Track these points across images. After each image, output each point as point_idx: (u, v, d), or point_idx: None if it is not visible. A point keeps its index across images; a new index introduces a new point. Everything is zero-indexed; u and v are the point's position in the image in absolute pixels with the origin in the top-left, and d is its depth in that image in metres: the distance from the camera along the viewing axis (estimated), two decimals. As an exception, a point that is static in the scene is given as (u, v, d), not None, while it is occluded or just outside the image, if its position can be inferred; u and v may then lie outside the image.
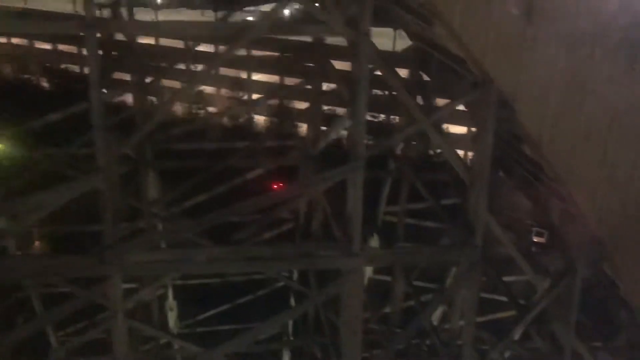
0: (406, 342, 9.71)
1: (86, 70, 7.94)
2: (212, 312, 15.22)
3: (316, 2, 8.27)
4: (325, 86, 11.22)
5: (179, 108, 40.42)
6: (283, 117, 39.50)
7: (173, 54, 15.92)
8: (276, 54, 16.62)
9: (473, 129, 8.24)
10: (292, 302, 14.59)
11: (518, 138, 8.81)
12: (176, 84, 12.34)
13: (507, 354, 10.47)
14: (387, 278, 13.27)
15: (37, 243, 21.43)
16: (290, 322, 15.01)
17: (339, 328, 8.47)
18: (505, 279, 11.85)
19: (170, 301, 14.38)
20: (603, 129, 7.79)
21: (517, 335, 11.20)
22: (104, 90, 8.02)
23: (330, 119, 9.66)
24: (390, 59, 8.92)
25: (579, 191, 8.15)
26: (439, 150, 12.65)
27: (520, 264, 9.32)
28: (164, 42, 34.85)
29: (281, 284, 14.58)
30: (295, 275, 13.96)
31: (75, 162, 10.01)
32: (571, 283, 8.80)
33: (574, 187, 8.13)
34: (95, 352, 11.80)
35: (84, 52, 7.08)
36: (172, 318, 14.63)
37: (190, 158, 11.97)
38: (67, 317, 8.33)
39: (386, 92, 10.23)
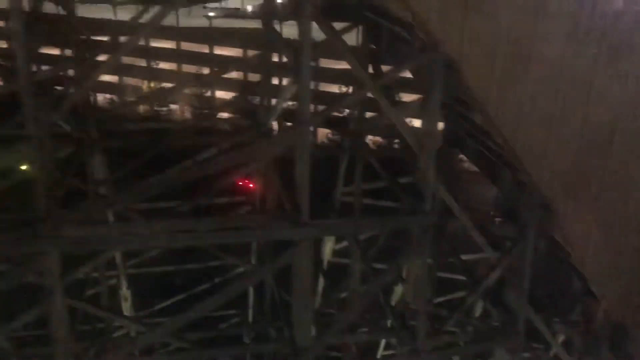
0: (359, 314, 9.57)
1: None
2: (168, 301, 14.82)
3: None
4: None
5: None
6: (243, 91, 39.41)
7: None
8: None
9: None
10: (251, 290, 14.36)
11: (467, 105, 8.74)
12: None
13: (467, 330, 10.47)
14: (346, 260, 13.15)
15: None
16: (251, 309, 14.77)
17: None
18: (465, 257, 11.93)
19: (124, 291, 13.95)
20: (550, 92, 7.78)
21: (473, 310, 11.29)
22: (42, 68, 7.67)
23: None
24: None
25: (526, 156, 8.13)
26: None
27: (474, 236, 9.29)
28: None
29: (241, 269, 14.31)
30: (254, 259, 13.70)
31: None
32: (523, 251, 8.78)
33: (522, 152, 8.10)
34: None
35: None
36: (126, 308, 14.21)
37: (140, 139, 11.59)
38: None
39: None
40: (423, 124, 7.97)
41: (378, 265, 12.56)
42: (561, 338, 11.68)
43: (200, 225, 7.69)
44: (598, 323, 9.59)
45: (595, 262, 8.88)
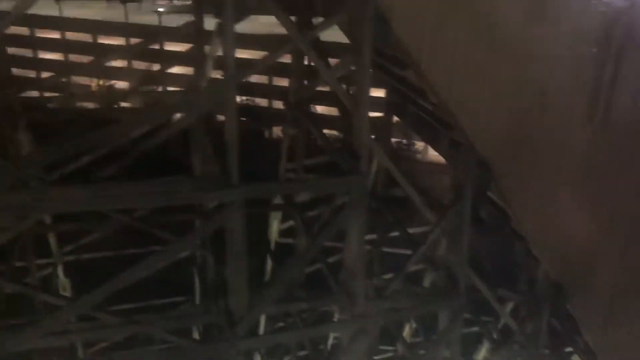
0: (299, 273, 9.34)
1: None
2: (110, 289, 14.16)
3: None
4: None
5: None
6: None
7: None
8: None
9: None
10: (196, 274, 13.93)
11: (402, 65, 8.60)
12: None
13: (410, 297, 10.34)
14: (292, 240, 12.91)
15: None
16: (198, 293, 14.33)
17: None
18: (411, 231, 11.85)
19: (62, 280, 13.33)
20: (482, 45, 7.70)
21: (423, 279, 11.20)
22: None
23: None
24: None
25: (461, 113, 8.04)
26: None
27: (414, 201, 9.17)
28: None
29: (185, 253, 13.86)
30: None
31: None
32: (461, 211, 8.70)
33: (456, 109, 8.00)
34: None
35: None
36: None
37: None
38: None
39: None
40: (354, 79, 7.77)
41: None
42: (509, 307, 11.77)
43: (126, 189, 7.30)
44: (539, 285, 9.61)
45: (534, 222, 8.86)
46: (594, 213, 8.69)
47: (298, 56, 9.96)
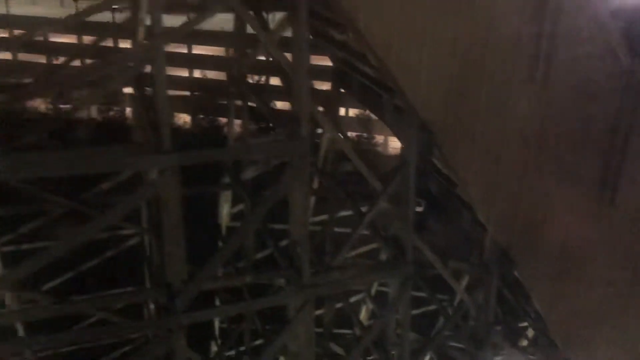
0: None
1: None
2: (56, 281, 13.63)
3: None
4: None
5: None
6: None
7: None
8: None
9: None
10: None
11: (342, 28, 8.43)
12: None
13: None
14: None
15: None
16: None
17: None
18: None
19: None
20: (423, 1, 7.56)
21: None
22: None
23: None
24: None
25: (401, 74, 7.89)
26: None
27: (361, 171, 9.01)
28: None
29: (133, 241, 13.44)
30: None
31: None
32: (405, 177, 8.57)
33: (396, 70, 7.85)
34: None
35: None
36: (8, 295, 12.95)
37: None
38: None
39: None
40: (294, 42, 7.55)
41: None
42: (464, 282, 11.73)
43: (49, 158, 6.90)
44: (487, 254, 9.55)
45: (478, 187, 8.80)
46: (539, 175, 8.67)
47: (240, 25, 9.69)
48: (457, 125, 8.29)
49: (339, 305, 13.31)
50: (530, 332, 13.01)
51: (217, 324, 15.01)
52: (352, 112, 38.81)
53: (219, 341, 14.64)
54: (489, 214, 8.98)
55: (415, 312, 14.07)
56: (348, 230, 12.53)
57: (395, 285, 8.93)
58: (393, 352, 9.73)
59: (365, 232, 10.05)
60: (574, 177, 8.79)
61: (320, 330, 13.28)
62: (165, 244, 7.51)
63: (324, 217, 12.70)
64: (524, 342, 13.09)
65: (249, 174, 10.54)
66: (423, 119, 8.18)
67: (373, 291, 13.65)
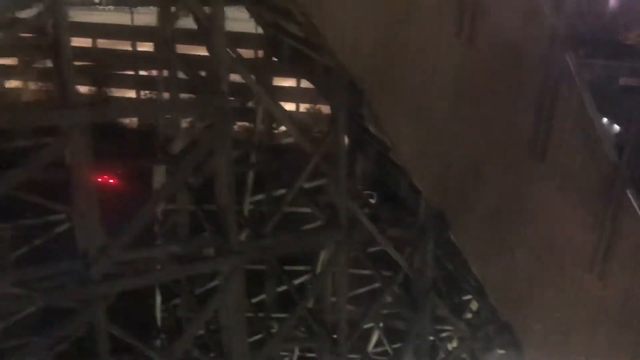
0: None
1: None
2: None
3: None
4: None
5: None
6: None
7: None
8: None
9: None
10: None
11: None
12: None
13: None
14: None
15: None
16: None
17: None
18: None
19: None
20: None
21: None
22: None
23: None
24: None
25: (327, 28, 7.62)
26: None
27: (293, 134, 8.74)
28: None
29: (61, 229, 12.76)
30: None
31: None
32: (336, 137, 8.33)
33: (322, 24, 7.58)
34: None
35: None
36: None
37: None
38: None
39: None
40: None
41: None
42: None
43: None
44: (421, 216, 9.44)
45: (409, 148, 8.64)
46: (469, 134, 8.58)
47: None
48: (386, 83, 8.09)
49: (282, 288, 13.05)
50: (474, 305, 13.07)
51: (158, 313, 14.51)
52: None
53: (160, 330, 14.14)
54: (421, 175, 8.84)
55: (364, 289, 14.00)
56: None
57: (330, 250, 8.70)
58: (332, 323, 9.51)
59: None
60: (504, 136, 8.76)
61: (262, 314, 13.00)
62: (75, 212, 7.08)
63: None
64: (469, 315, 13.15)
65: (177, 146, 10.12)
66: (352, 75, 7.95)
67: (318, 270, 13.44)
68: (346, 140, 10.16)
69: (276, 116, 9.45)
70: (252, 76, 8.96)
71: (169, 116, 9.44)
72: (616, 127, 28.69)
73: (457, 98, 8.37)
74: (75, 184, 6.94)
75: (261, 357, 8.22)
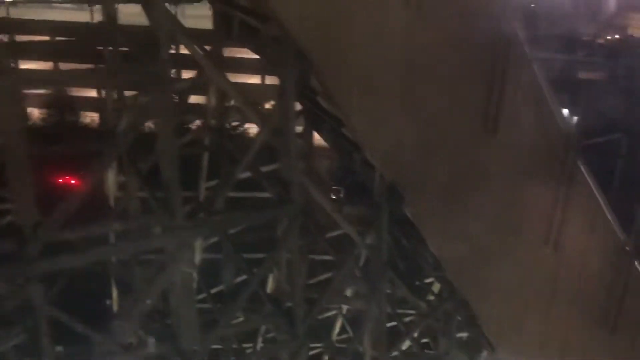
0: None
1: None
2: None
3: None
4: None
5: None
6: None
7: None
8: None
9: None
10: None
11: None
12: None
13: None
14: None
15: None
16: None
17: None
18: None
19: None
20: None
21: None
22: None
23: None
24: None
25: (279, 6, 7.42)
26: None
27: (239, 103, 8.48)
28: None
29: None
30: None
31: None
32: (285, 111, 8.13)
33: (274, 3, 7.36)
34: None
35: None
36: None
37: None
38: None
39: None
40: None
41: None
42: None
43: None
44: (376, 192, 9.30)
45: (362, 120, 8.47)
46: (421, 105, 8.47)
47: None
48: (332, 52, 7.88)
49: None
50: (436, 287, 13.03)
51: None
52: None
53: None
54: (374, 147, 8.69)
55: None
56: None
57: (283, 226, 8.49)
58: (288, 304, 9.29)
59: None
60: (457, 107, 8.69)
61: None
62: (11, 186, 6.70)
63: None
64: (431, 297, 13.11)
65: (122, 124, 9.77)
66: (299, 45, 7.75)
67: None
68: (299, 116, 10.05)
69: (224, 89, 9.17)
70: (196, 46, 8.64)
71: (107, 88, 9.11)
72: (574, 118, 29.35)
73: (408, 69, 8.24)
74: (9, 162, 6.59)
75: (212, 339, 7.95)
